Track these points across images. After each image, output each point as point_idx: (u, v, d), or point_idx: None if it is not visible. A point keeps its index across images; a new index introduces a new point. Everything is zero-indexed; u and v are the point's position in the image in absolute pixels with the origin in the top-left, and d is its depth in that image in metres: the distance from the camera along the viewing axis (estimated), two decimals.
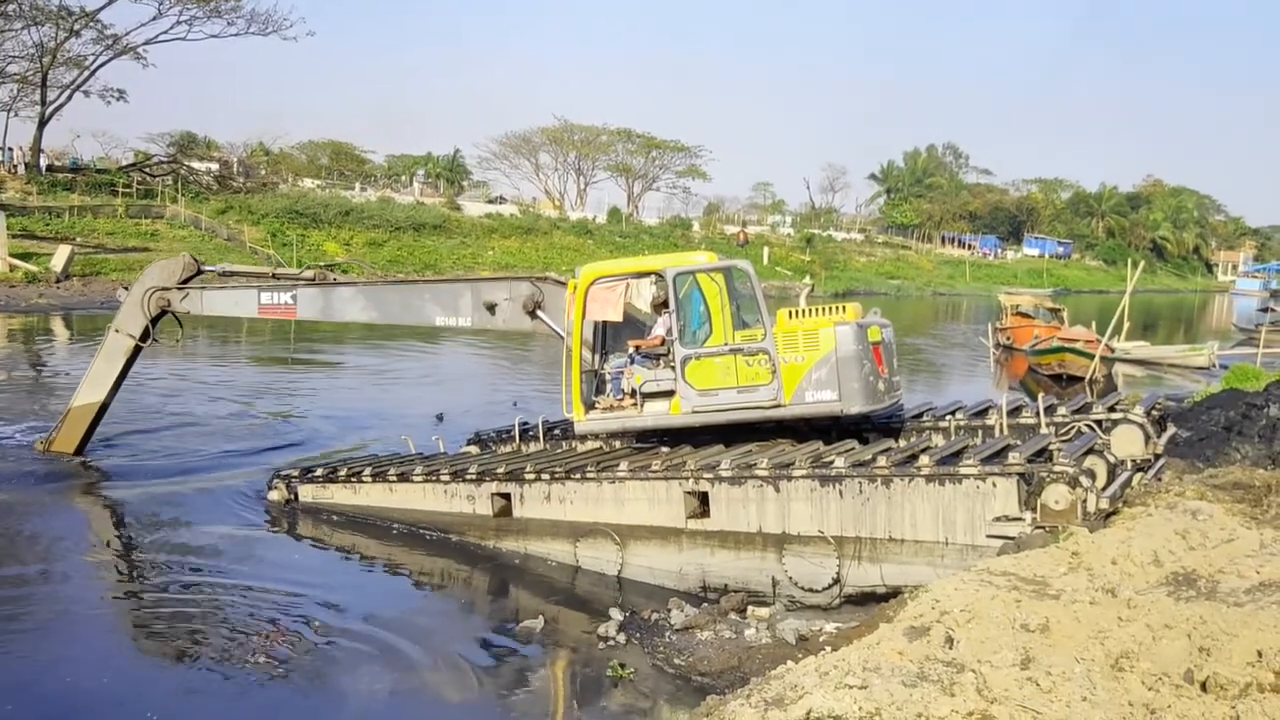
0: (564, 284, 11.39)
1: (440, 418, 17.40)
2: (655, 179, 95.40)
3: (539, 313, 11.48)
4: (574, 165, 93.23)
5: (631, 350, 10.87)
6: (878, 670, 5.21)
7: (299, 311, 13.05)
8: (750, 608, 9.08)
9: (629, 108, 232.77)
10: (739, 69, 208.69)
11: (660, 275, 10.64)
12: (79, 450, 14.09)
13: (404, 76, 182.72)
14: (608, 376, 10.99)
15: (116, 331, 13.78)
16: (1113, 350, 28.81)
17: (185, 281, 13.59)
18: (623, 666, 8.02)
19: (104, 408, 14.00)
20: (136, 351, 13.84)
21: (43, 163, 55.92)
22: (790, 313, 10.24)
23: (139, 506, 12.80)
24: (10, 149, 57.27)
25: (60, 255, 40.49)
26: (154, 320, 13.59)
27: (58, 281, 39.31)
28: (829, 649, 6.81)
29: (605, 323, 10.96)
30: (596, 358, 11.07)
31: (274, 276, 13.95)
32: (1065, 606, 6.00)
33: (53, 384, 21.57)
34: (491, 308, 11.86)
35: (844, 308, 10.32)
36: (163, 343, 14.18)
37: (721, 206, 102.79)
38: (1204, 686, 4.99)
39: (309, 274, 13.52)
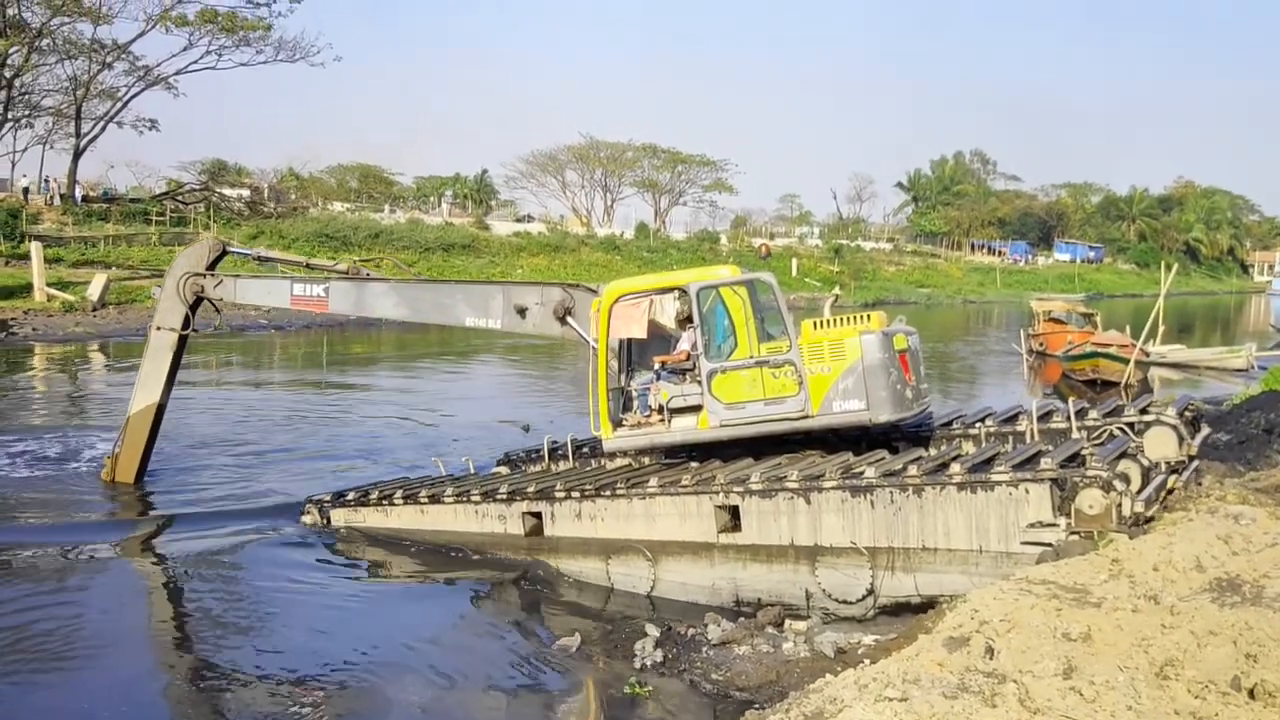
0: (595, 292, 11.42)
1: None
2: (682, 194, 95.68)
3: (569, 319, 11.48)
4: (600, 182, 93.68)
5: (657, 366, 10.85)
6: (917, 682, 5.14)
7: (331, 305, 13.12)
8: (788, 621, 9.01)
9: (654, 123, 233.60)
10: (764, 82, 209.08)
11: (683, 290, 10.61)
12: (138, 478, 14.21)
13: (430, 98, 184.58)
14: (634, 393, 10.97)
15: (158, 329, 13.90)
16: (1148, 354, 28.44)
17: (213, 264, 13.76)
18: (642, 685, 7.97)
19: (160, 409, 14.07)
20: (181, 344, 13.95)
21: (78, 193, 56.89)
22: (815, 323, 10.20)
23: (189, 533, 12.87)
24: (47, 180, 58.37)
25: (96, 284, 41.09)
26: (192, 308, 13.72)
27: (94, 310, 39.87)
28: (868, 661, 6.75)
29: (630, 339, 10.95)
30: (623, 375, 11.06)
31: (308, 267, 14.02)
32: (1107, 614, 5.90)
33: (104, 409, 21.82)
34: (522, 311, 11.86)
35: (868, 316, 10.26)
36: (201, 332, 14.33)
37: (749, 219, 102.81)
38: (1252, 694, 4.88)
39: (342, 267, 13.61)
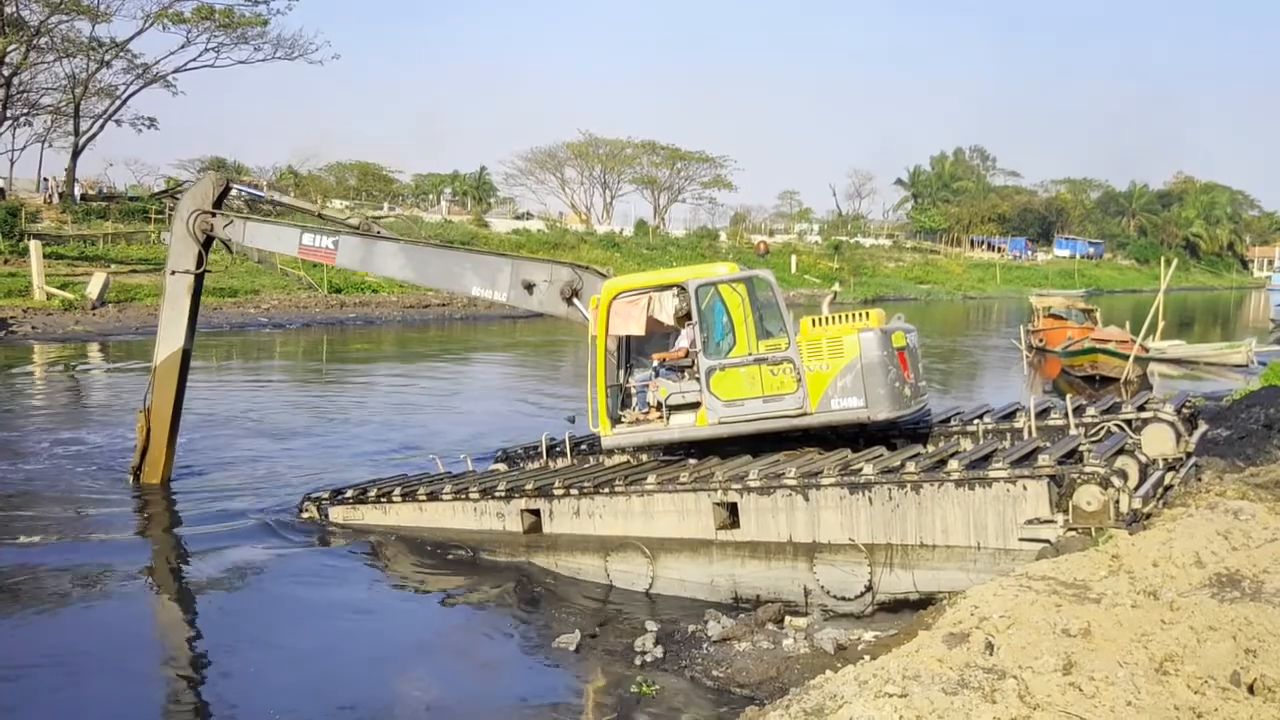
0: (604, 276, 11.41)
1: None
2: (681, 190, 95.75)
3: (575, 300, 11.42)
4: (600, 179, 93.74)
5: (656, 363, 10.84)
6: (917, 678, 5.13)
7: (338, 258, 13.03)
8: (788, 618, 9.02)
9: (653, 120, 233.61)
10: (763, 78, 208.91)
11: (682, 288, 10.59)
12: (165, 478, 14.11)
13: (429, 96, 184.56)
14: (633, 390, 10.97)
15: (173, 274, 13.76)
16: (1147, 350, 28.41)
17: (219, 200, 13.63)
18: (649, 684, 7.96)
19: (186, 355, 13.95)
20: (198, 284, 13.84)
21: (77, 191, 56.88)
22: (813, 320, 10.20)
23: (187, 532, 12.91)
24: (46, 179, 58.38)
25: (96, 282, 41.08)
26: (204, 246, 13.61)
27: (94, 308, 39.86)
28: (868, 657, 6.74)
29: (629, 336, 10.94)
30: (621, 372, 11.04)
31: (320, 216, 13.91)
32: (1107, 610, 5.89)
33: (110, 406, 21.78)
34: (529, 287, 11.78)
35: (867, 314, 10.25)
36: (214, 271, 14.27)
37: (748, 216, 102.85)
38: (1251, 689, 4.88)
39: (354, 221, 13.49)
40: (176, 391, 13.93)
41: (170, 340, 13.85)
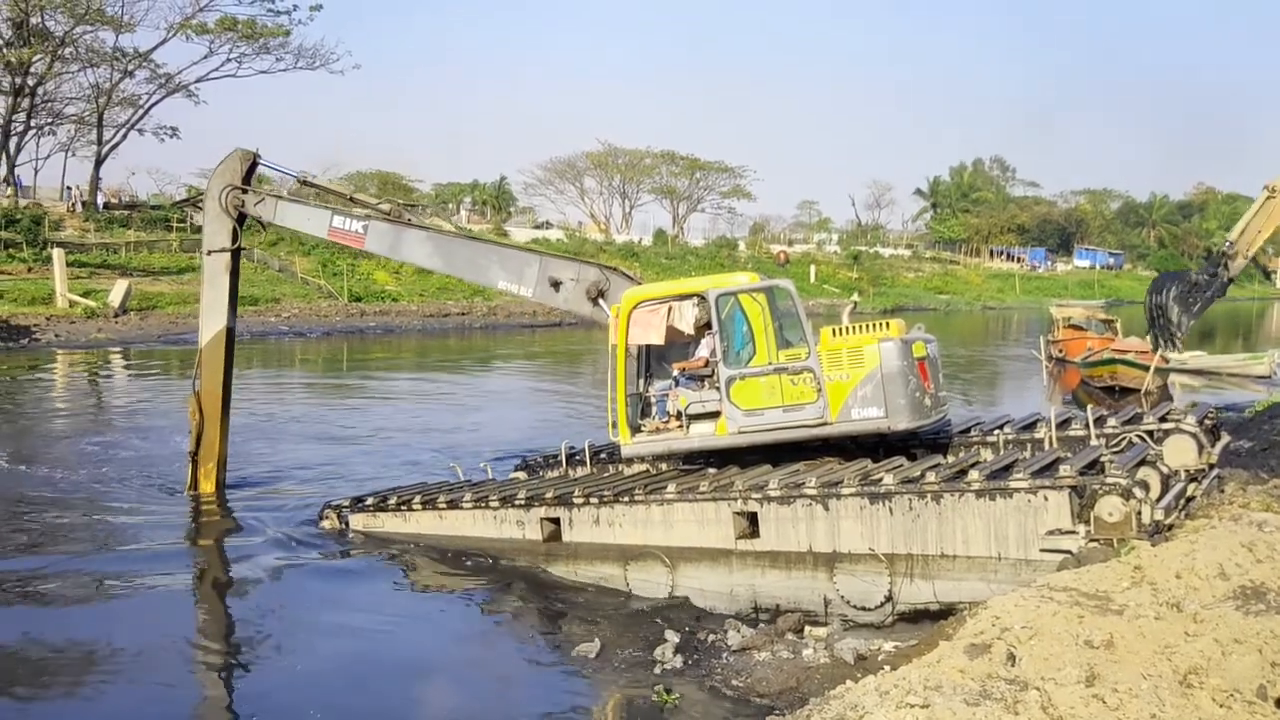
0: (632, 279, 11.44)
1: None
2: (700, 200, 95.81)
3: (600, 301, 11.45)
4: (619, 189, 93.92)
5: (676, 372, 10.86)
6: (939, 689, 5.12)
7: (367, 243, 13.11)
8: (808, 627, 9.01)
9: (672, 130, 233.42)
10: (783, 88, 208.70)
11: (702, 297, 10.61)
12: (219, 484, 14.20)
13: (449, 106, 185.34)
14: (653, 399, 10.98)
15: (210, 253, 13.91)
16: (1167, 361, 28.24)
17: (248, 175, 13.70)
18: (669, 692, 7.96)
19: (230, 334, 14.06)
20: (236, 261, 13.98)
21: (100, 200, 57.44)
22: (834, 330, 10.19)
23: (210, 540, 13.03)
24: (69, 188, 58.99)
25: (118, 291, 41.43)
26: (238, 222, 13.71)
27: (116, 316, 40.22)
28: (888, 668, 6.71)
29: (649, 345, 10.96)
30: (641, 380, 11.07)
31: (351, 200, 14.00)
32: (1129, 622, 5.85)
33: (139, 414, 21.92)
34: (556, 285, 11.81)
35: (887, 324, 10.24)
36: (247, 250, 14.32)
37: (767, 226, 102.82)
38: (1278, 703, 4.84)
39: (386, 207, 13.55)
40: (224, 371, 14.06)
41: (213, 321, 13.98)
